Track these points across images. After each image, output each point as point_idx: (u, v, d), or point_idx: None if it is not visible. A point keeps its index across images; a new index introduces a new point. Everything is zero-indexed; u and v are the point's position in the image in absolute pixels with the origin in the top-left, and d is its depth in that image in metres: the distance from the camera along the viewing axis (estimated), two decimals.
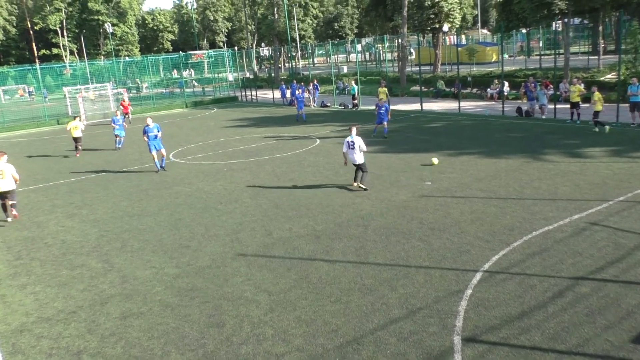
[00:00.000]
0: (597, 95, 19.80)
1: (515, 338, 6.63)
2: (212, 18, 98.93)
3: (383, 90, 25.95)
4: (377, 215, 11.68)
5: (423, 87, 33.64)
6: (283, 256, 9.78)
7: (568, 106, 22.60)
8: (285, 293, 8.33)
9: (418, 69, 36.48)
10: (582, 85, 26.72)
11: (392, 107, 25.66)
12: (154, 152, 18.03)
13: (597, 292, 7.56)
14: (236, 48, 71.38)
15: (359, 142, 13.47)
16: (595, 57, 39.17)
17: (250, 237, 10.96)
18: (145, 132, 17.88)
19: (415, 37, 55.62)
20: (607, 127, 19.29)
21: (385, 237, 10.31)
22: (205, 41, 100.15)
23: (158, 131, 17.92)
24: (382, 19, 51.56)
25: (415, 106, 30.28)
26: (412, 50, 61.37)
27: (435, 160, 15.87)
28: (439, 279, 8.35)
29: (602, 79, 30.13)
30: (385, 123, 21.18)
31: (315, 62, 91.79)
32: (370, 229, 10.84)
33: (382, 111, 21.08)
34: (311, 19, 74.07)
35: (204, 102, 45.40)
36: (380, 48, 63.75)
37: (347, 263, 9.24)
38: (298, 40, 63.90)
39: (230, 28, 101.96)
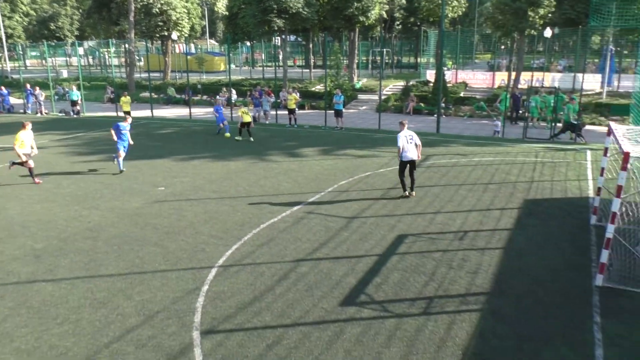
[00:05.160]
0: (241, 110, 21.23)
1: (249, 322, 7.14)
2: None
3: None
4: (107, 225, 11.00)
5: (153, 94, 32.93)
6: None
7: (286, 112, 25.18)
8: None
9: (147, 75, 35.48)
10: (298, 94, 30.12)
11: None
12: None
13: (313, 270, 8.68)
14: None
15: (415, 135, 12.45)
16: (308, 70, 44.53)
17: None
18: None
19: (144, 43, 53.82)
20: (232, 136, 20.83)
21: (118, 246, 9.81)
22: None
23: None
24: (106, 22, 48.29)
25: (146, 113, 29.41)
26: (140, 57, 59.35)
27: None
28: (176, 280, 8.37)
29: (313, 89, 34.41)
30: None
31: (28, 64, 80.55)
32: (100, 240, 10.15)
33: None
34: (21, 17, 64.45)
35: None
36: (106, 53, 59.71)
37: (75, 280, 8.47)
38: (4, 39, 54.88)
39: None
